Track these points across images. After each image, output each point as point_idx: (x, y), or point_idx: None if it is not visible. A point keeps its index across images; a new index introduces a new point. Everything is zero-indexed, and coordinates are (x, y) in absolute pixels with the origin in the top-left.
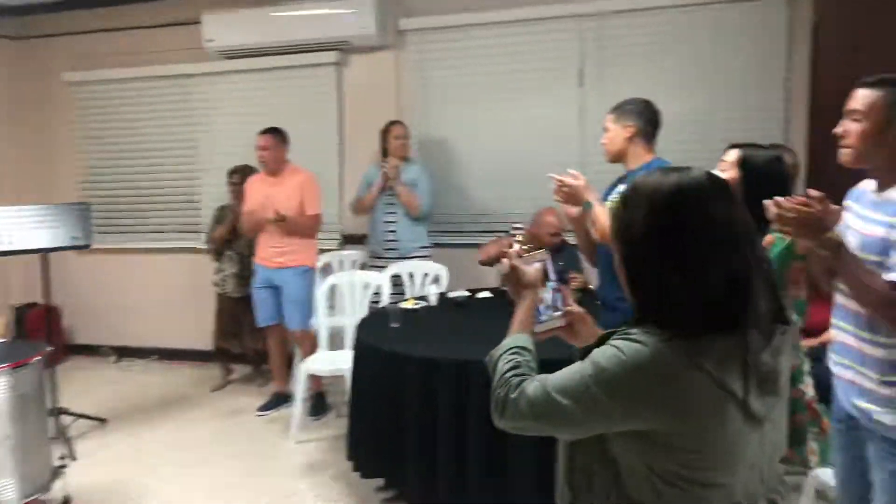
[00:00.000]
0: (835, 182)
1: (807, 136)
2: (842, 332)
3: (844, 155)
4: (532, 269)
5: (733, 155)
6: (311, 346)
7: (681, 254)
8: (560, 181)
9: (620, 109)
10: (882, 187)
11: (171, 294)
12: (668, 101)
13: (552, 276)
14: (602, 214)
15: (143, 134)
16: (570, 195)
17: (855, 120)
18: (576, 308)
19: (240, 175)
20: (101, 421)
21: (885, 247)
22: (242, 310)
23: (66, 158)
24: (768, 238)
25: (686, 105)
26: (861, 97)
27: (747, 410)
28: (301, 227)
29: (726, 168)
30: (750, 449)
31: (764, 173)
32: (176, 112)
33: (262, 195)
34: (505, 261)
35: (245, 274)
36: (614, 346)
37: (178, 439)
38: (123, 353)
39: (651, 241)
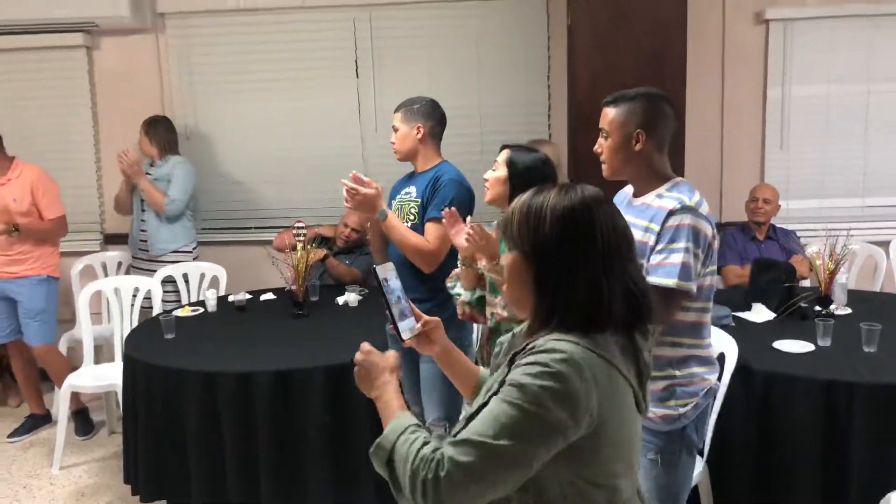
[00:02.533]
0: (594, 170)
1: (567, 128)
2: None
3: (604, 170)
4: (387, 356)
5: (504, 155)
6: (57, 363)
7: (591, 260)
8: (351, 189)
9: (409, 110)
10: (637, 194)
11: None
12: (440, 96)
13: (398, 283)
14: (398, 223)
15: None
16: (363, 202)
17: (604, 137)
18: (427, 317)
19: None
20: None
21: (642, 251)
22: None
23: None
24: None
25: (459, 99)
26: (605, 115)
27: (638, 402)
28: (41, 233)
29: (497, 167)
30: (638, 436)
31: (530, 173)
32: None
33: None
34: (357, 356)
35: None
36: (534, 362)
37: None
38: None
39: (565, 249)
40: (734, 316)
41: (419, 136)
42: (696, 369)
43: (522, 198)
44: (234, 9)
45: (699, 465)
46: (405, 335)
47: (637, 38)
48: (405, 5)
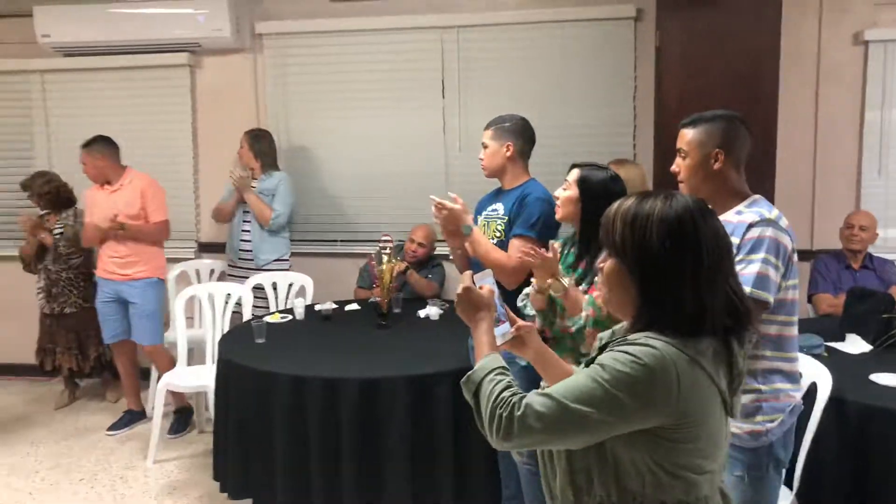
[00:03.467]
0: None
1: (653, 150)
2: None
3: (681, 189)
4: (485, 290)
5: (574, 174)
6: (165, 362)
7: (696, 271)
8: (440, 204)
9: (500, 127)
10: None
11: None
12: (524, 115)
13: (496, 290)
14: (483, 239)
15: None
16: (450, 218)
17: (682, 157)
18: (523, 322)
19: (32, 186)
20: None
21: None
22: (55, 326)
23: None
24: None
25: (543, 119)
26: (683, 136)
27: (726, 406)
28: (145, 234)
29: (568, 187)
30: (725, 439)
31: (601, 192)
32: (9, 111)
33: (100, 206)
34: (461, 285)
35: (53, 290)
36: (625, 351)
37: (19, 463)
38: None
39: (671, 260)
40: (827, 346)
41: (508, 153)
42: (781, 385)
43: (625, 205)
44: (327, 30)
45: (788, 497)
46: (498, 340)
47: (728, 61)
48: (492, 27)
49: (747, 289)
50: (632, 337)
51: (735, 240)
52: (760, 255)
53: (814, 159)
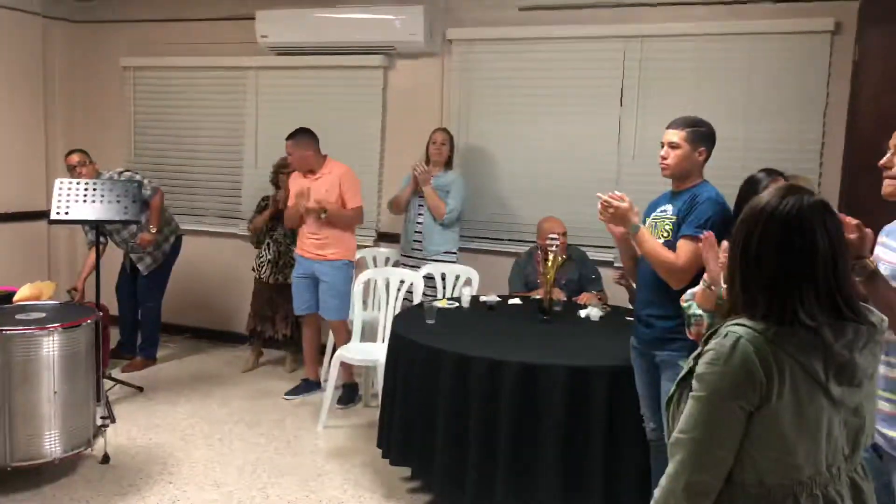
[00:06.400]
0: (869, 213)
1: (842, 169)
2: None
3: (887, 186)
4: None
5: None
6: (345, 337)
7: (758, 259)
8: (606, 202)
9: (696, 131)
10: None
11: (208, 277)
12: None
13: None
14: (649, 238)
15: (193, 121)
16: (616, 216)
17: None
18: None
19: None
20: (139, 389)
21: None
22: (276, 295)
23: (117, 140)
24: None
25: (723, 131)
26: None
27: (828, 393)
28: (342, 219)
29: None
30: (833, 428)
31: None
32: (227, 102)
33: (302, 190)
34: None
35: (280, 262)
36: (709, 350)
37: (210, 413)
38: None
39: (738, 244)
40: None
41: (701, 159)
42: None
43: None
44: (513, 38)
45: None
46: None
47: None
48: (677, 37)
49: None
50: (723, 327)
51: None
52: None
53: None
